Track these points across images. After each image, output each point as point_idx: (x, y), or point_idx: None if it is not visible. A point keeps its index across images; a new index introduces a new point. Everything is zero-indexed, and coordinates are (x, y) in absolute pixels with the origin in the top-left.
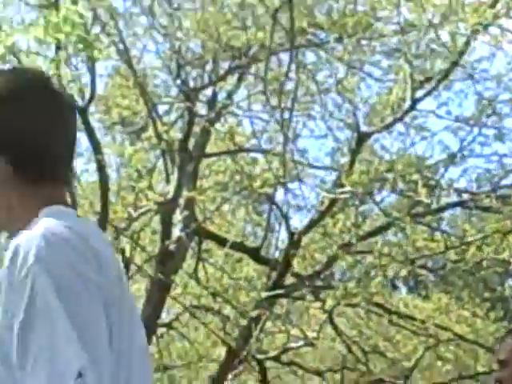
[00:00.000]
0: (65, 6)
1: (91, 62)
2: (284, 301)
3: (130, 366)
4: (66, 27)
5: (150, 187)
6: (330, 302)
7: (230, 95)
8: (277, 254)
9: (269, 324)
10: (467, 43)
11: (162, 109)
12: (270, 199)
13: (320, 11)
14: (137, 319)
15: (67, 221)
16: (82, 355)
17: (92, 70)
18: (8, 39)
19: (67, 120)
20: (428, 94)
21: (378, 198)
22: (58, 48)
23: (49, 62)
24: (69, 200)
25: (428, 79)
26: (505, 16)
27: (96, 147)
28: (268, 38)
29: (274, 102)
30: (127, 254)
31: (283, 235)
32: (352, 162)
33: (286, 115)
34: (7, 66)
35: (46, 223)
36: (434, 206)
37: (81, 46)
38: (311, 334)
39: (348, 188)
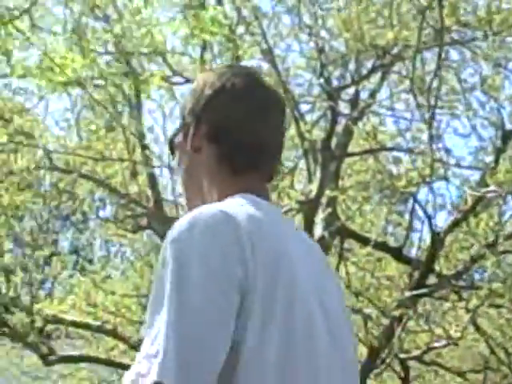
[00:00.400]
0: (212, 6)
1: (236, 62)
2: (426, 300)
3: (312, 372)
4: (213, 27)
5: (292, 186)
6: (474, 302)
7: (372, 94)
8: (419, 254)
9: (411, 323)
10: None
11: (304, 108)
12: (414, 198)
13: (465, 9)
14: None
15: (230, 206)
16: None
17: None
18: (155, 39)
19: (277, 115)
20: None
21: None
22: (203, 48)
23: (194, 62)
24: (267, 191)
25: None
26: None
27: None
28: (413, 36)
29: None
30: None
31: (425, 234)
32: (497, 161)
33: (430, 114)
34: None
35: (204, 207)
36: None
37: (227, 45)
38: (454, 334)
39: (493, 187)
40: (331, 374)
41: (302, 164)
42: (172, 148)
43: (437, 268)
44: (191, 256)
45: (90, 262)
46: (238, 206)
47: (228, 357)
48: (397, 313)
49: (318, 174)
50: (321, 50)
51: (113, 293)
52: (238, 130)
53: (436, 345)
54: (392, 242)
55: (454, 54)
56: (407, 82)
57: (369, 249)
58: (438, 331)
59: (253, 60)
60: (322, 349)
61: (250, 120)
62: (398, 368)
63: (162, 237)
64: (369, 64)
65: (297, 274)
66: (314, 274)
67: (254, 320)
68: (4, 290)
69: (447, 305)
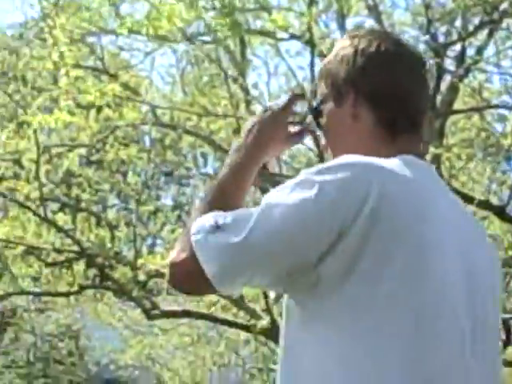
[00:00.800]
0: None
1: (341, 19)
2: None
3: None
4: None
5: None
6: None
7: (479, 51)
8: None
9: None
10: None
11: None
12: None
13: None
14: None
15: (378, 160)
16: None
17: (342, 27)
18: None
19: (426, 76)
20: None
21: None
22: (310, 3)
23: (301, 17)
24: (422, 152)
25: None
26: None
27: None
28: None
29: None
30: None
31: None
32: None
33: None
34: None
35: (355, 156)
36: None
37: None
38: None
39: None
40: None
41: None
42: (317, 115)
43: None
44: (312, 184)
45: None
46: (389, 162)
47: (321, 292)
48: None
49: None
50: (427, 6)
51: None
52: (397, 94)
53: None
54: (495, 201)
55: None
56: None
57: (472, 207)
58: None
59: (358, 16)
60: (449, 310)
61: (406, 83)
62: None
63: (264, 192)
64: (476, 20)
65: (438, 235)
66: (463, 239)
67: (360, 267)
68: (108, 245)
69: None
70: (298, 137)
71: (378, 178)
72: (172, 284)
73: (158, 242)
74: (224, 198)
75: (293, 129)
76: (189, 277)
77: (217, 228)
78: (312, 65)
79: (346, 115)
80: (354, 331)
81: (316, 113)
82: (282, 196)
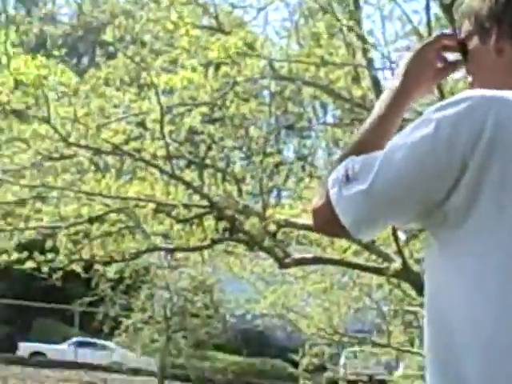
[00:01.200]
0: None
1: None
2: None
3: None
4: None
5: None
6: None
7: None
8: None
9: None
10: None
11: None
12: None
13: None
14: None
15: (501, 92)
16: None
17: None
18: None
19: None
20: None
21: None
22: None
23: None
24: None
25: None
26: None
27: None
28: None
29: None
30: None
31: None
32: None
33: None
34: None
35: (482, 90)
36: None
37: None
38: None
39: None
40: None
41: None
42: (464, 51)
43: None
44: (430, 122)
45: (315, 167)
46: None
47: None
48: None
49: None
50: None
51: None
52: None
53: None
54: None
55: None
56: None
57: None
58: None
59: None
60: None
61: None
62: None
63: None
64: None
65: None
66: None
67: (482, 197)
68: (236, 198)
69: None
70: (445, 72)
71: (495, 107)
72: (315, 228)
73: (283, 193)
74: (363, 150)
75: (439, 65)
76: (327, 223)
77: (347, 179)
78: (428, 8)
79: (491, 50)
80: (483, 254)
81: (462, 49)
82: (403, 138)
